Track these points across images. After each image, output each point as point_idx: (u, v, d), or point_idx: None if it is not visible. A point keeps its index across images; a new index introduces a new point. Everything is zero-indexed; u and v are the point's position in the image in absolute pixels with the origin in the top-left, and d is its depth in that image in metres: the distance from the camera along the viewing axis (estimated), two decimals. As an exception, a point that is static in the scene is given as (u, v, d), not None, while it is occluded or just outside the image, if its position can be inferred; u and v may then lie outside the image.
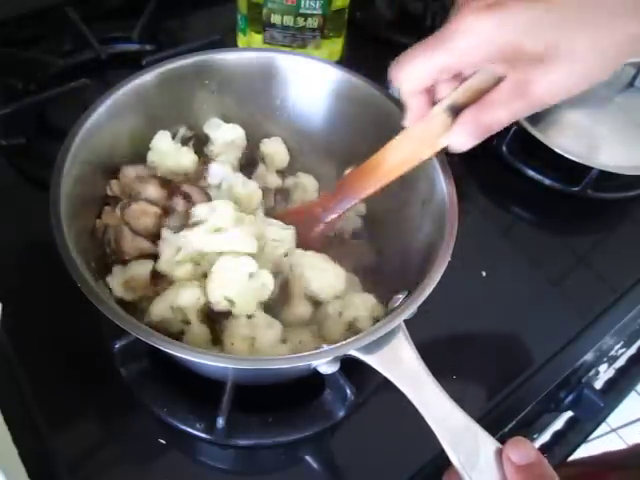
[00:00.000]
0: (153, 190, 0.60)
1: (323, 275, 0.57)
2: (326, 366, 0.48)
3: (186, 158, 0.65)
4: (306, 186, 0.69)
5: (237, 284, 0.53)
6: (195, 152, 0.66)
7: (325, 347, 0.46)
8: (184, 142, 0.67)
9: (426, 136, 0.52)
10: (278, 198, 0.67)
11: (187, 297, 0.53)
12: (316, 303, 0.59)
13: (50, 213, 0.49)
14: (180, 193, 0.60)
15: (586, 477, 0.82)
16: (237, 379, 0.55)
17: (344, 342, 0.46)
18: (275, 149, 0.70)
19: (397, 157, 0.54)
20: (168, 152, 0.64)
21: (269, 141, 0.70)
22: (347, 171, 0.61)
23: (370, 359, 0.46)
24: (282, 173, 0.70)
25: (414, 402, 0.44)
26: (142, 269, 0.57)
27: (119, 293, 0.55)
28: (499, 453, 0.42)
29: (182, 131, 0.67)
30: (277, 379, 0.57)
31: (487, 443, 0.43)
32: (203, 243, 0.55)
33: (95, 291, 0.46)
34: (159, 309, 0.53)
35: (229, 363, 0.45)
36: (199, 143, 0.68)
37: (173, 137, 0.66)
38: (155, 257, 0.58)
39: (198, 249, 0.55)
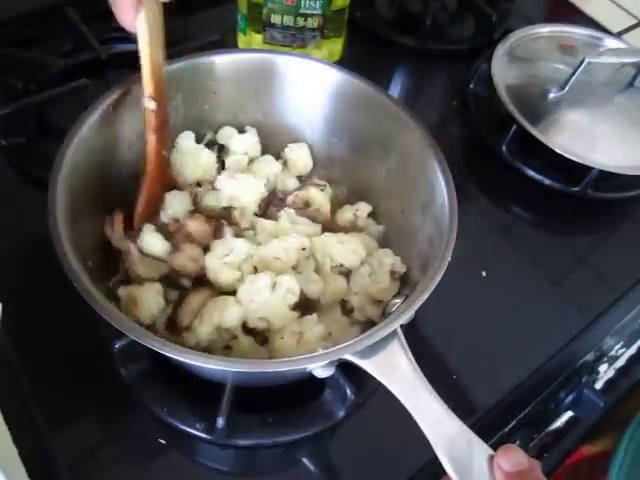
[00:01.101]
0: (197, 225, 0.61)
1: (344, 247, 0.61)
2: (321, 370, 0.48)
3: (205, 159, 0.66)
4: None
5: (263, 303, 0.55)
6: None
7: (320, 350, 0.46)
8: (208, 146, 0.68)
9: None
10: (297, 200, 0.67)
11: (232, 316, 0.54)
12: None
13: (48, 213, 0.49)
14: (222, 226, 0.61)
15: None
16: (236, 381, 0.55)
17: (339, 346, 0.46)
18: (299, 155, 0.70)
19: None
20: (189, 151, 0.65)
21: (295, 146, 0.70)
22: None
23: (365, 364, 0.46)
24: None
25: (408, 408, 0.44)
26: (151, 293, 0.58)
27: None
28: (492, 460, 0.42)
29: (209, 135, 0.68)
30: (275, 381, 0.57)
31: (481, 450, 0.43)
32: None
33: (92, 292, 0.46)
34: (206, 333, 0.54)
35: (226, 366, 0.45)
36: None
37: (200, 140, 0.67)
38: (167, 278, 0.59)
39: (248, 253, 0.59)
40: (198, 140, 0.68)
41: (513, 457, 0.41)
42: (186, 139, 0.66)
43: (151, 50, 0.55)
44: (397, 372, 0.46)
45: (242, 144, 0.68)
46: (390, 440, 0.58)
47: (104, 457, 0.55)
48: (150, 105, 0.56)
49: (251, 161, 0.69)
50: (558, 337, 0.68)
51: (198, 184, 0.66)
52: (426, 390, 0.45)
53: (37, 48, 0.83)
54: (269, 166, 0.69)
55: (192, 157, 0.65)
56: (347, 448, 0.58)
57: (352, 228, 0.66)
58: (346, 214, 0.67)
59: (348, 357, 0.46)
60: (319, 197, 0.67)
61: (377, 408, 0.59)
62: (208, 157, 0.66)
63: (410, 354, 0.47)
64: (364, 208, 0.67)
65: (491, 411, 0.62)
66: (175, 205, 0.62)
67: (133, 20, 0.53)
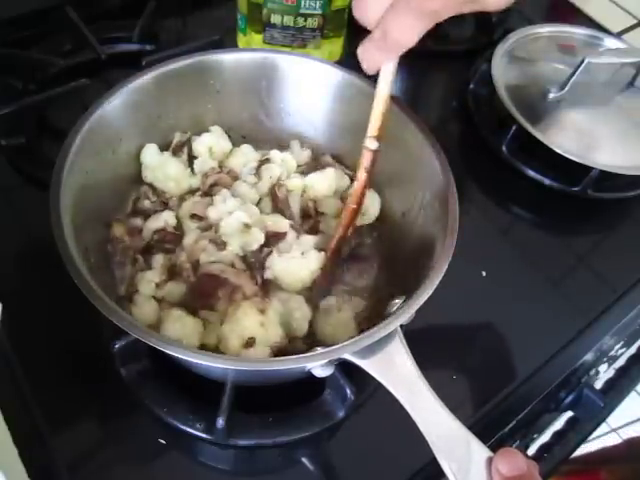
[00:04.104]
0: None
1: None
2: (320, 369, 0.48)
3: (171, 168, 0.64)
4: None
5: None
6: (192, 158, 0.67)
7: (319, 350, 0.46)
8: (179, 147, 0.66)
9: None
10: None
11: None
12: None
13: (50, 209, 0.49)
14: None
15: (577, 474, 0.82)
16: (235, 379, 0.55)
17: (339, 346, 0.46)
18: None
19: None
20: (156, 165, 0.64)
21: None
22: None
23: (365, 364, 0.46)
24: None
25: (407, 408, 0.44)
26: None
27: None
28: (490, 462, 0.42)
29: (177, 137, 0.66)
30: (275, 380, 0.57)
31: (479, 452, 0.43)
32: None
33: (94, 291, 0.46)
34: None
35: (226, 364, 0.45)
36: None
37: (168, 146, 0.66)
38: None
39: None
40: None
41: (512, 461, 0.41)
42: (147, 153, 0.64)
43: (389, 91, 0.53)
44: (396, 372, 0.46)
45: (202, 144, 0.67)
46: (390, 440, 0.58)
47: (104, 457, 0.55)
48: (372, 146, 0.55)
49: (226, 157, 0.69)
50: (558, 337, 0.68)
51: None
52: (425, 390, 0.45)
53: (37, 48, 0.83)
54: (246, 157, 0.68)
55: (160, 170, 0.64)
56: (347, 448, 0.58)
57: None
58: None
59: (347, 357, 0.46)
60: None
61: (377, 408, 0.59)
62: (176, 166, 0.64)
63: (410, 354, 0.47)
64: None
65: (491, 411, 0.62)
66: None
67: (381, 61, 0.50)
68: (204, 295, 0.57)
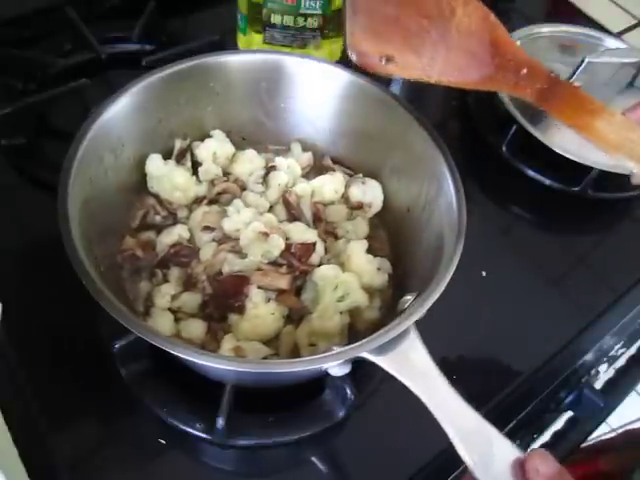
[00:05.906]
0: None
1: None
2: (338, 368, 0.48)
3: (179, 177, 0.64)
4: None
5: None
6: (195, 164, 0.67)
7: (336, 349, 0.46)
8: (182, 154, 0.66)
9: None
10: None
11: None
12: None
13: (58, 205, 0.49)
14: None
15: (575, 463, 0.82)
16: (242, 380, 0.55)
17: (356, 344, 0.46)
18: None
19: (606, 130, 0.57)
20: (162, 174, 0.64)
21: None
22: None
23: (382, 361, 0.46)
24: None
25: (427, 404, 0.44)
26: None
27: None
28: (518, 463, 0.41)
29: (178, 144, 0.66)
30: (280, 382, 0.57)
31: (504, 449, 0.42)
32: None
33: (101, 290, 0.46)
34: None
35: (239, 367, 0.45)
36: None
37: (169, 152, 0.66)
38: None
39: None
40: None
41: (551, 462, 0.40)
42: (152, 163, 0.64)
43: None
44: (414, 368, 0.46)
45: (206, 149, 0.67)
46: (390, 440, 0.58)
47: (104, 457, 0.55)
48: None
49: (230, 162, 0.69)
50: (558, 337, 0.68)
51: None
52: (445, 385, 0.45)
53: (37, 48, 0.83)
54: (251, 162, 0.68)
55: (167, 180, 0.64)
56: (347, 448, 0.58)
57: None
58: (355, 192, 0.67)
59: (364, 355, 0.46)
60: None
61: (377, 408, 0.59)
62: (182, 175, 0.64)
63: (426, 349, 0.47)
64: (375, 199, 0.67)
65: (491, 411, 0.62)
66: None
67: None
68: (228, 295, 0.57)
